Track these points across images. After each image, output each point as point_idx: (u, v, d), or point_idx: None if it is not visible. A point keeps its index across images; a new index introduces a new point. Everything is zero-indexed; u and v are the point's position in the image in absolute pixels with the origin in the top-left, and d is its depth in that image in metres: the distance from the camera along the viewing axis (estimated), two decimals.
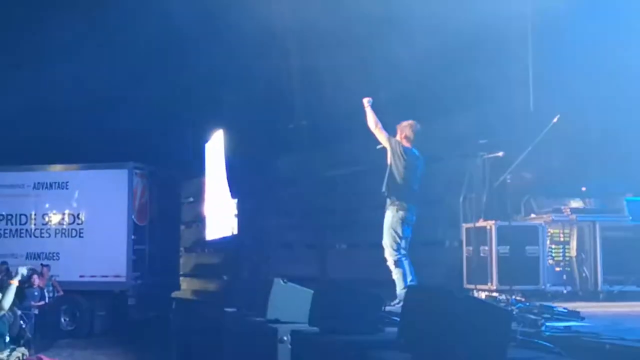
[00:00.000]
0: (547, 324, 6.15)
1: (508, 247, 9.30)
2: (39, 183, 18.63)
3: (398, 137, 9.07)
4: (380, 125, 9.05)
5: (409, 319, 4.61)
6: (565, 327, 6.00)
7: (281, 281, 7.68)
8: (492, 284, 9.47)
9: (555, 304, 7.80)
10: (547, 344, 5.07)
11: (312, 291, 6.77)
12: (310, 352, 6.17)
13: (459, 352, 4.22)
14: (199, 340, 13.61)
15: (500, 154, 10.16)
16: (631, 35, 10.60)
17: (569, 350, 5.27)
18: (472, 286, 9.88)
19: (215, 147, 14.29)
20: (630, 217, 9.03)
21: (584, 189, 9.90)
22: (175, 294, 17.08)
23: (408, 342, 4.53)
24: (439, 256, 11.84)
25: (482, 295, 9.35)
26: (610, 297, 9.40)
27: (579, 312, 6.89)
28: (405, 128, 8.99)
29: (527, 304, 7.49)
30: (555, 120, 8.26)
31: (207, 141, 15.23)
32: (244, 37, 11.84)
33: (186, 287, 17.99)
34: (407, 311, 4.64)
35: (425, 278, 10.87)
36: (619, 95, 10.68)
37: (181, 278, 18.45)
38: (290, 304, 7.40)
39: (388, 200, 9.15)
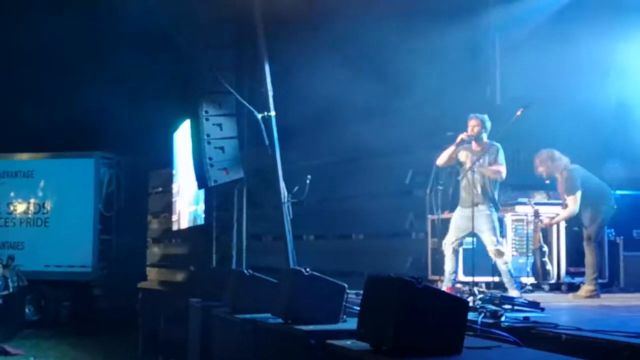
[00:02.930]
0: (507, 314, 6.25)
1: (473, 239, 9.37)
2: (4, 171, 18.44)
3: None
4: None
5: (368, 308, 4.65)
6: (525, 317, 6.08)
7: (245, 272, 7.69)
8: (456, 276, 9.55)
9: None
10: (504, 334, 5.14)
11: (276, 281, 6.80)
12: (272, 341, 6.19)
13: (417, 341, 4.26)
14: (164, 330, 13.59)
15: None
16: (594, 29, 10.74)
17: (526, 340, 5.34)
18: (436, 277, 9.97)
19: (183, 136, 14.25)
20: None
21: (547, 181, 10.01)
22: (141, 284, 17.00)
23: (367, 331, 4.57)
24: (406, 247, 11.93)
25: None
26: (572, 288, 9.53)
27: (538, 303, 6.99)
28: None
29: (489, 295, 7.59)
30: (519, 113, 8.33)
31: (175, 131, 15.16)
32: (213, 26, 11.79)
33: (153, 277, 17.93)
34: (367, 301, 4.68)
35: (392, 269, 10.97)
36: (585, 88, 10.82)
37: (148, 268, 18.39)
38: (254, 294, 7.42)
39: None
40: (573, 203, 8.88)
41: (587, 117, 9.37)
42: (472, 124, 8.51)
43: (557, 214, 9.36)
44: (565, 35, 10.85)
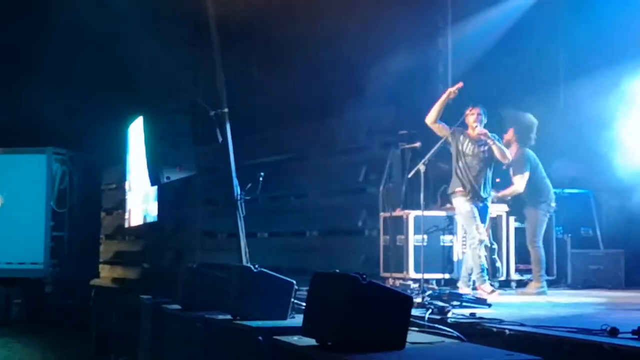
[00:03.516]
0: (454, 310, 6.34)
1: (424, 236, 9.48)
2: None
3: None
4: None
5: (314, 304, 4.68)
6: (471, 313, 6.17)
7: (193, 266, 7.69)
8: (407, 273, 9.65)
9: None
10: (447, 329, 5.22)
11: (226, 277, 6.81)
12: (221, 337, 6.20)
13: (361, 337, 4.31)
14: (117, 328, 13.50)
15: (418, 144, 10.35)
16: (543, 37, 10.96)
17: (471, 336, 5.43)
18: (388, 274, 10.05)
19: (137, 133, 14.16)
20: None
21: (497, 180, 10.14)
22: (94, 282, 16.87)
23: (313, 327, 4.61)
24: (359, 245, 11.99)
25: (397, 283, 9.52)
26: (522, 285, 9.68)
27: (486, 300, 7.11)
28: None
29: (438, 291, 7.69)
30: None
31: (128, 127, 15.05)
32: (169, 25, 11.76)
33: (106, 274, 17.77)
34: (313, 297, 4.72)
35: (346, 266, 11.02)
36: (535, 90, 11.00)
37: (101, 265, 18.22)
38: (205, 291, 7.42)
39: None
40: (518, 182, 9.12)
41: (536, 117, 9.51)
42: (476, 112, 8.52)
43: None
44: (515, 41, 11.05)
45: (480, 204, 8.49)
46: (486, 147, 8.46)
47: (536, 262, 9.06)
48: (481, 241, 8.40)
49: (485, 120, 8.53)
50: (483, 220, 8.50)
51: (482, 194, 8.47)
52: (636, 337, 4.69)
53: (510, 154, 8.61)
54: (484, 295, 7.78)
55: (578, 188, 10.81)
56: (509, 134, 9.30)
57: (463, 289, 8.47)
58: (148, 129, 11.78)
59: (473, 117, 8.47)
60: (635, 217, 10.78)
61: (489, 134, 8.42)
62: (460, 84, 8.38)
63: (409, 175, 8.95)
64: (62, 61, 15.20)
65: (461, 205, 8.53)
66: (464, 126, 8.60)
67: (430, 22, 11.71)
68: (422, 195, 8.47)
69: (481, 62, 11.00)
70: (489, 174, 8.57)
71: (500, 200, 9.50)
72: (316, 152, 13.60)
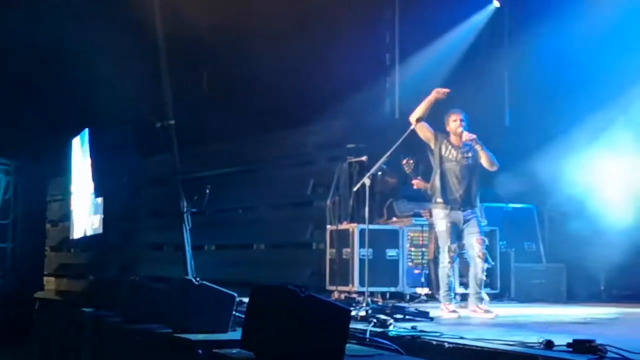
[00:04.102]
0: (396, 323, 6.37)
1: (369, 249, 9.53)
2: None
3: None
4: None
5: (253, 317, 4.67)
6: (412, 326, 6.21)
7: (135, 279, 7.61)
8: (352, 286, 9.69)
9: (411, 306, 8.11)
10: (386, 342, 5.24)
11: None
12: (162, 351, 6.14)
13: (299, 350, 4.30)
14: (59, 341, 13.27)
15: (364, 158, 10.40)
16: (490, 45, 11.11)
17: (411, 349, 5.46)
18: (333, 287, 10.09)
19: (82, 144, 14.02)
20: (486, 222, 9.38)
21: None
22: (38, 294, 16.56)
23: (251, 340, 4.59)
24: (306, 258, 12.00)
25: (342, 296, 9.54)
26: (465, 298, 9.74)
27: (428, 313, 7.16)
28: None
29: (381, 304, 7.72)
30: (412, 127, 8.48)
31: (74, 138, 14.88)
32: (114, 36, 11.64)
33: (51, 287, 17.49)
34: (252, 310, 4.70)
35: (292, 279, 11.02)
36: (480, 103, 11.14)
37: (45, 278, 17.92)
38: (147, 304, 7.34)
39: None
40: None
41: (477, 131, 9.61)
42: (458, 117, 7.94)
43: None
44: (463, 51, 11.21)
45: (465, 214, 7.85)
46: (470, 154, 7.90)
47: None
48: (451, 262, 7.90)
49: (466, 127, 7.95)
50: (472, 231, 7.83)
51: (467, 202, 7.85)
52: (570, 349, 4.76)
53: (496, 163, 7.98)
54: (444, 314, 7.68)
55: (522, 203, 10.96)
56: None
57: (472, 307, 7.84)
58: (93, 140, 11.69)
59: (456, 123, 7.92)
60: (577, 232, 10.98)
61: (477, 139, 7.87)
62: (447, 90, 7.84)
63: (355, 189, 8.93)
64: (6, 72, 14.95)
65: (438, 220, 7.95)
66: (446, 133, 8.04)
67: (379, 39, 11.83)
68: (366, 208, 8.48)
69: (428, 72, 11.15)
70: (475, 182, 7.98)
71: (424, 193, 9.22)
72: (264, 165, 13.60)
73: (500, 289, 10.11)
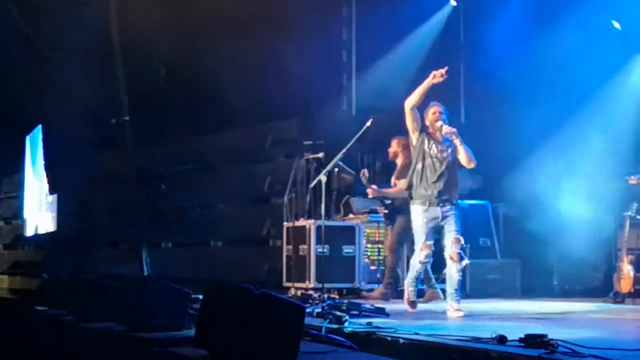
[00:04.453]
0: (352, 320, 6.39)
1: (326, 246, 9.55)
2: None
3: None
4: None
5: (207, 315, 4.65)
6: (368, 323, 6.23)
7: (90, 277, 7.53)
8: (309, 282, 9.70)
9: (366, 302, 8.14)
10: (340, 339, 5.26)
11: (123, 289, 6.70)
12: (116, 350, 6.09)
13: (253, 347, 4.30)
14: (13, 340, 13.08)
15: (321, 155, 10.42)
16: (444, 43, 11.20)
17: (367, 345, 5.49)
18: (290, 284, 10.09)
19: (36, 141, 13.84)
20: None
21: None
22: None
23: (205, 338, 4.58)
24: (263, 254, 12.00)
25: (298, 293, 9.54)
26: (420, 294, 9.80)
27: (384, 309, 7.19)
28: None
29: (337, 300, 7.74)
30: (368, 123, 8.51)
31: (27, 135, 14.68)
32: (68, 30, 11.51)
33: (4, 285, 17.24)
34: (206, 308, 4.69)
35: (250, 276, 11.01)
36: (439, 98, 11.22)
37: None
38: (102, 302, 7.27)
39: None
40: (404, 185, 9.05)
41: None
42: (437, 110, 7.56)
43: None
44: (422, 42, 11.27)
45: (444, 210, 7.50)
46: (450, 149, 7.55)
47: (389, 269, 9.22)
48: (425, 261, 7.60)
49: (447, 121, 7.57)
50: (449, 229, 7.51)
51: (446, 199, 7.52)
52: (522, 344, 4.82)
53: (474, 160, 7.61)
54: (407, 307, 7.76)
55: (477, 199, 11.06)
56: (394, 146, 9.38)
57: (447, 304, 7.54)
58: (47, 137, 11.55)
59: (435, 116, 7.52)
60: (531, 228, 11.13)
61: (457, 133, 7.50)
62: (445, 68, 7.29)
63: (311, 185, 8.94)
64: None
65: (415, 216, 7.60)
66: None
67: (336, 37, 11.85)
68: (322, 205, 8.49)
69: (385, 70, 11.20)
70: (454, 178, 7.63)
71: (379, 198, 9.36)
72: (221, 162, 13.56)
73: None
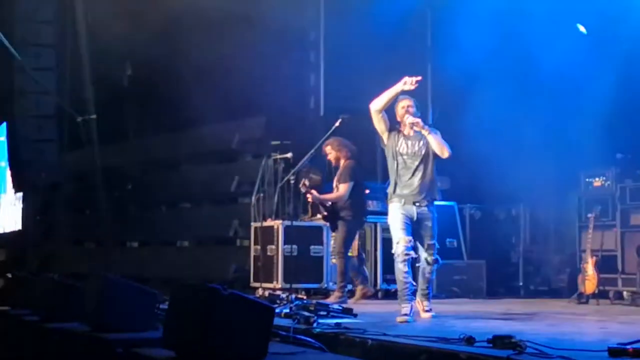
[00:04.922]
0: (320, 320, 6.37)
1: (294, 246, 9.52)
2: None
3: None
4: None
5: (174, 316, 4.60)
6: (337, 323, 6.22)
7: (52, 276, 7.42)
8: (277, 283, 9.67)
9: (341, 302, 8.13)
10: (309, 339, 5.24)
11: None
12: (79, 350, 6.01)
13: (221, 348, 4.26)
14: None
15: (289, 155, 10.39)
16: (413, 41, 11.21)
17: (335, 346, 5.47)
18: (258, 284, 10.05)
19: (0, 138, 13.66)
20: None
21: (367, 191, 10.29)
22: None
23: (172, 339, 4.52)
24: (230, 254, 11.95)
25: (266, 293, 9.50)
26: (388, 295, 9.84)
27: (352, 309, 7.18)
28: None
29: (305, 301, 7.71)
30: (337, 123, 8.50)
31: None
32: (31, 25, 11.38)
33: None
34: (173, 309, 4.64)
35: (217, 276, 10.95)
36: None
37: None
38: (66, 302, 7.17)
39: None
40: (344, 189, 8.98)
41: None
42: (406, 103, 7.23)
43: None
44: (390, 43, 11.26)
45: (419, 210, 7.19)
46: (423, 143, 7.22)
47: (341, 273, 9.01)
48: (404, 255, 7.09)
49: (418, 114, 7.25)
50: (424, 233, 7.27)
51: (421, 197, 7.19)
52: (490, 345, 4.83)
53: (447, 149, 7.24)
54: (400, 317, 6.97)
55: (443, 200, 11.09)
56: (331, 152, 9.20)
57: (417, 301, 7.27)
58: (12, 134, 11.40)
59: (404, 110, 7.21)
60: (497, 228, 11.21)
61: (422, 123, 7.21)
62: (419, 77, 6.99)
63: (279, 185, 8.89)
64: None
65: (391, 213, 7.26)
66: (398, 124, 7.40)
67: (303, 37, 11.83)
68: (291, 205, 8.45)
69: (354, 70, 11.19)
70: (430, 174, 7.26)
71: (319, 203, 9.17)
72: (188, 161, 13.48)
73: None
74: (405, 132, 7.26)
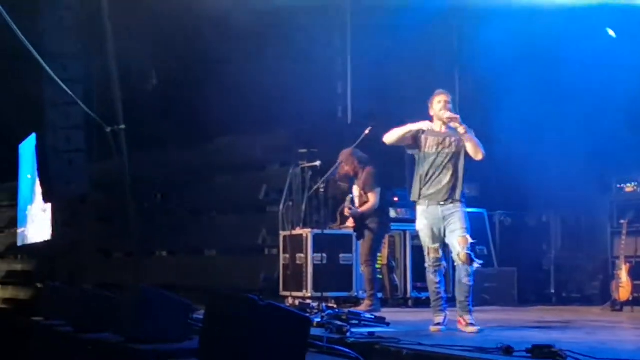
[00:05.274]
0: (353, 330, 6.33)
1: (323, 254, 9.49)
2: None
3: None
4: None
5: (211, 326, 4.59)
6: (370, 332, 6.17)
7: (85, 286, 7.44)
8: (306, 291, 9.65)
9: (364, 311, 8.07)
10: (346, 350, 5.20)
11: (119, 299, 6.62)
12: None
13: (258, 359, 4.24)
14: (5, 351, 12.97)
15: (318, 163, 10.36)
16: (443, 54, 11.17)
17: (370, 356, 5.43)
18: (287, 293, 10.04)
19: (29, 149, 13.75)
20: None
21: (396, 199, 10.25)
22: None
23: (209, 350, 4.51)
24: (259, 263, 11.93)
25: (296, 302, 9.48)
26: (419, 303, 9.78)
27: (384, 318, 7.13)
28: None
29: (337, 310, 7.68)
30: (367, 132, 8.46)
31: (21, 143, 14.60)
32: (60, 36, 11.44)
33: None
34: (209, 319, 4.62)
35: (245, 285, 10.95)
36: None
37: None
38: (98, 312, 7.19)
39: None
40: (374, 198, 8.92)
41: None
42: (444, 98, 6.91)
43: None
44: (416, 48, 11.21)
45: (444, 209, 6.82)
46: (454, 140, 6.85)
47: (369, 280, 8.93)
48: (435, 265, 6.92)
49: (453, 111, 6.91)
50: (453, 228, 6.81)
51: (448, 196, 6.82)
52: (529, 355, 4.77)
53: (482, 150, 6.85)
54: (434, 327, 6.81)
55: (473, 207, 11.01)
56: (347, 166, 9.05)
57: (458, 316, 6.92)
58: (41, 145, 11.47)
59: (440, 105, 6.86)
60: (528, 235, 11.11)
61: (460, 120, 6.83)
62: (443, 107, 6.84)
63: (309, 194, 8.85)
64: None
65: (417, 218, 7.00)
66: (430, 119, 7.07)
67: (330, 44, 11.82)
68: (320, 213, 8.42)
69: (380, 78, 11.16)
70: (459, 172, 6.87)
71: (360, 217, 9.01)
72: (216, 170, 13.50)
73: (452, 293, 10.12)
74: (437, 129, 6.92)
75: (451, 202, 6.83)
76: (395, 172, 9.92)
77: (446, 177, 6.84)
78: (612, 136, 9.78)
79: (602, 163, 10.08)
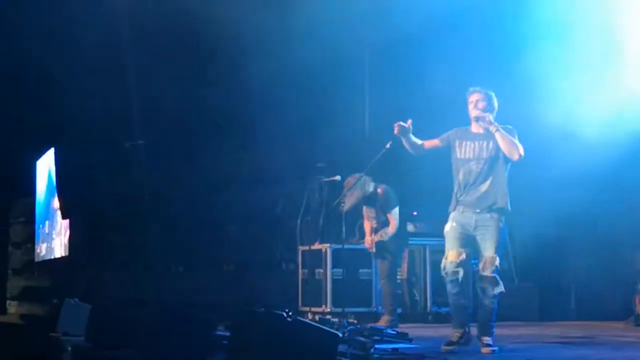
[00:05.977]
0: (376, 346, 6.27)
1: (342, 269, 9.45)
2: None
3: None
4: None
5: (237, 342, 4.54)
6: (393, 349, 6.12)
7: (105, 302, 7.40)
8: (326, 307, 9.59)
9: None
10: None
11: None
12: None
13: None
14: None
15: (337, 177, 10.31)
16: (463, 64, 11.04)
17: None
18: (307, 308, 9.99)
19: (47, 165, 13.76)
20: None
21: (415, 213, 10.19)
22: (0, 318, 16.18)
23: None
24: (277, 278, 11.88)
25: (316, 317, 9.43)
26: (439, 318, 9.71)
27: (407, 334, 7.07)
28: None
29: (359, 326, 7.62)
30: (388, 146, 8.40)
31: (38, 159, 14.60)
32: (78, 50, 11.45)
33: (13, 311, 17.09)
34: (236, 335, 4.57)
35: (263, 300, 10.89)
36: (452, 122, 11.12)
37: (8, 301, 17.51)
38: (116, 328, 7.15)
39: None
40: (395, 217, 8.91)
41: None
42: (474, 98, 6.48)
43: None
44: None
45: (478, 218, 6.35)
46: (492, 143, 6.36)
47: (389, 296, 8.94)
48: (451, 274, 6.46)
49: (492, 110, 6.46)
50: (482, 238, 6.37)
51: (482, 204, 6.35)
52: None
53: (518, 150, 6.34)
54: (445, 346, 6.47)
55: None
56: (358, 192, 9.02)
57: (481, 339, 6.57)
58: (59, 160, 11.48)
59: (471, 106, 6.47)
60: (549, 251, 11.01)
61: (491, 119, 6.39)
62: (403, 124, 6.68)
63: (328, 209, 8.82)
64: None
65: (447, 224, 6.54)
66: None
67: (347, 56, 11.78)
68: (340, 228, 8.38)
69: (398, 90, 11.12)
70: (498, 178, 6.37)
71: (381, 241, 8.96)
72: (233, 184, 13.46)
73: (473, 308, 10.04)
74: (474, 131, 6.48)
75: (487, 212, 6.36)
76: (412, 186, 9.89)
77: (484, 185, 6.37)
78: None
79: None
